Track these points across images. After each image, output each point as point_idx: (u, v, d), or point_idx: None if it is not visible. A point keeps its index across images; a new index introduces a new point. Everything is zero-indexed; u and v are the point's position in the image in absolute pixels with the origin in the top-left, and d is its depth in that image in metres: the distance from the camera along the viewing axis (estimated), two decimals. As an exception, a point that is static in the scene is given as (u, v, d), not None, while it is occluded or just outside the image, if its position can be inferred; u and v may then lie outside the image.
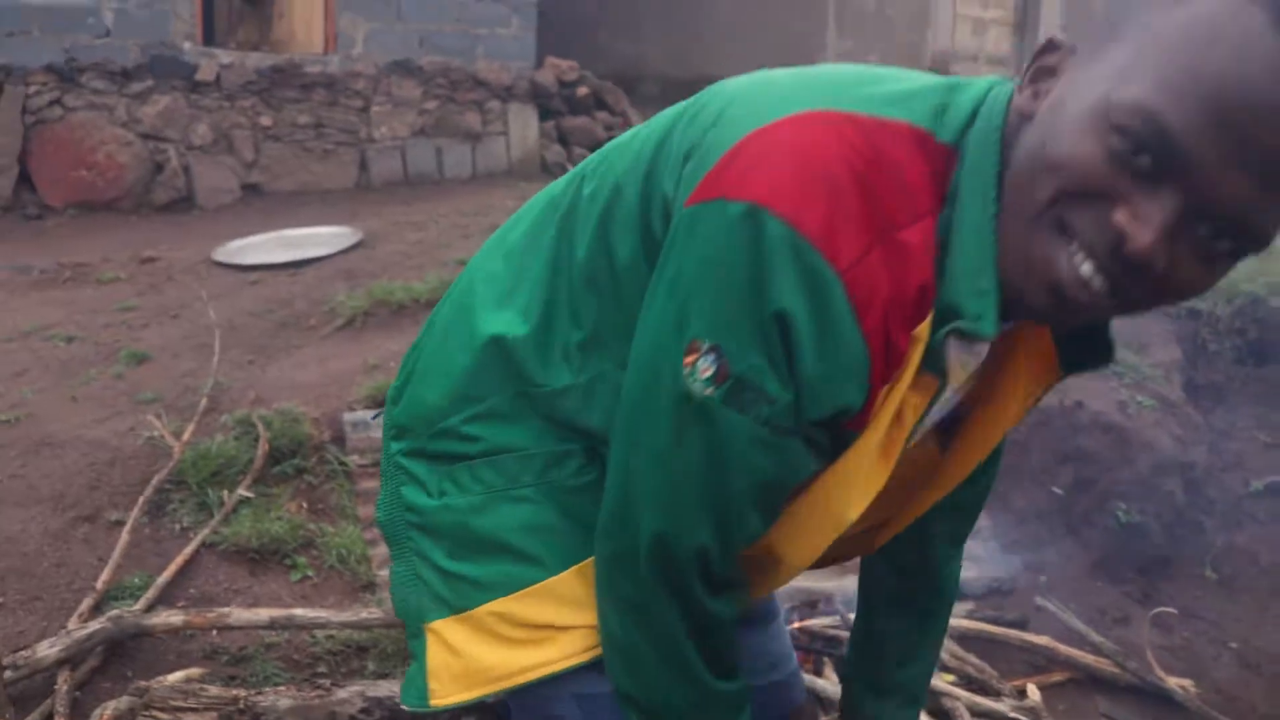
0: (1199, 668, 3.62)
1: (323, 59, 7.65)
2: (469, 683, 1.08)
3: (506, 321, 1.07)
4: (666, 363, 0.91)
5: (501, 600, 1.06)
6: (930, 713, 2.89)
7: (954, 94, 0.95)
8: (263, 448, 3.31)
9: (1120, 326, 4.06)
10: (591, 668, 1.06)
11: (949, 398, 1.05)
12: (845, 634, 3.02)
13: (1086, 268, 0.86)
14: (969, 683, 3.04)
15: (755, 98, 0.96)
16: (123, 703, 2.13)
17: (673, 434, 0.93)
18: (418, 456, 1.12)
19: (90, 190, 6.90)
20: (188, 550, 2.91)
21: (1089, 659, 3.30)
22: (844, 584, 3.30)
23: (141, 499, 3.03)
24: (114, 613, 2.52)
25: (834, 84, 0.95)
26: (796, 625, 3.04)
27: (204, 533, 2.99)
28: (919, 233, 0.89)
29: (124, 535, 2.89)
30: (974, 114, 0.94)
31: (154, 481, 3.10)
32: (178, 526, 3.07)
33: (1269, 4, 0.78)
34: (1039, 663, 3.31)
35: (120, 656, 2.53)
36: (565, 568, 1.05)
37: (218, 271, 5.48)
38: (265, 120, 7.32)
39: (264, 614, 2.58)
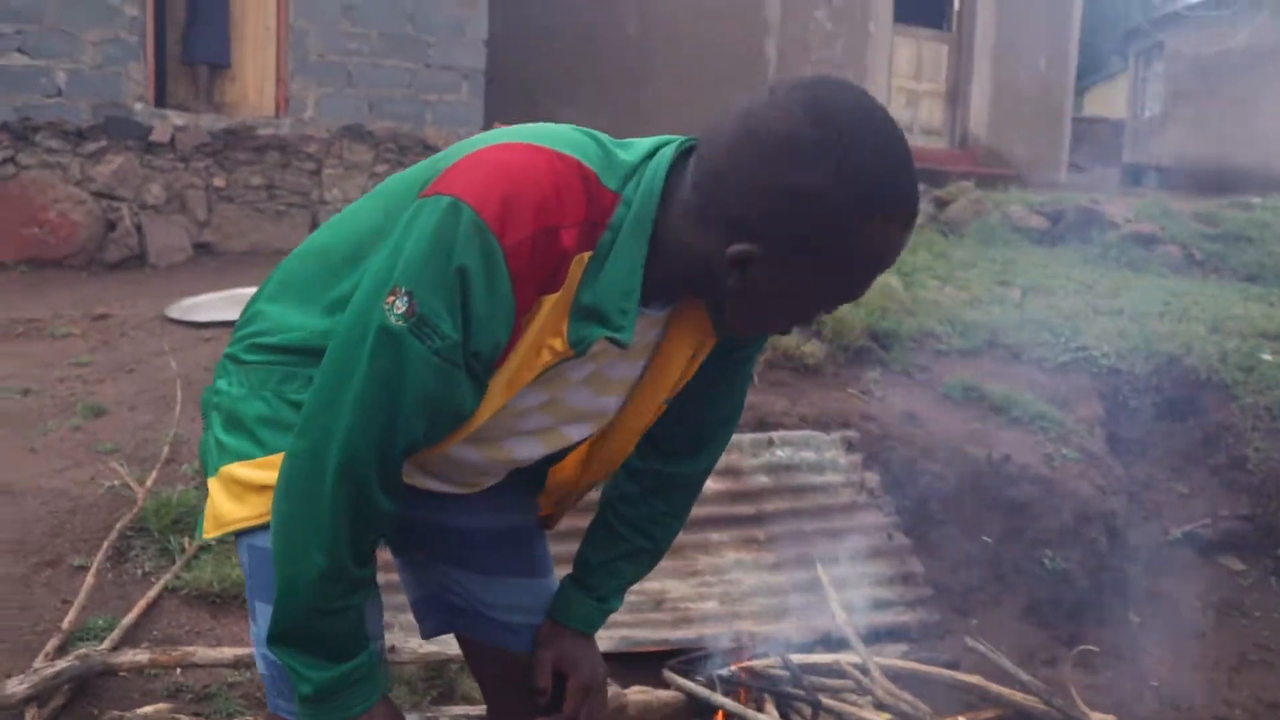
0: (1123, 706, 3.81)
1: (275, 121, 7.80)
2: (212, 525, 1.45)
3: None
4: (375, 303, 1.25)
5: (231, 465, 1.42)
6: (867, 746, 3.04)
7: (626, 150, 1.32)
8: (223, 496, 3.40)
9: (1041, 384, 4.28)
10: (265, 530, 1.39)
11: (619, 363, 1.42)
12: (783, 673, 3.16)
13: None
14: (903, 719, 3.19)
15: (480, 139, 1.34)
16: (95, 734, 2.21)
17: (370, 354, 1.25)
18: (231, 358, 1.50)
19: (42, 247, 6.94)
20: (151, 593, 2.99)
21: (1017, 696, 3.45)
22: (781, 628, 3.46)
23: (106, 544, 3.11)
24: (81, 651, 2.60)
25: (539, 132, 1.32)
26: (736, 665, 3.17)
27: (166, 577, 3.08)
28: (572, 235, 1.25)
29: (88, 579, 2.96)
30: (636, 168, 1.29)
31: (118, 527, 3.18)
32: (140, 571, 3.15)
33: None
34: (971, 701, 3.46)
35: (87, 695, 2.61)
36: (276, 450, 1.38)
37: (171, 328, 5.56)
38: (218, 181, 7.44)
39: (228, 653, 2.67)
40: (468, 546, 1.66)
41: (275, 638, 1.36)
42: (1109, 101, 23.79)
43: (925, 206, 8.49)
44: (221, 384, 1.50)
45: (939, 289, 6.15)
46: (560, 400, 1.44)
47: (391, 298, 1.23)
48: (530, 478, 1.65)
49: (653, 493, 1.65)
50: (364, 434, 1.27)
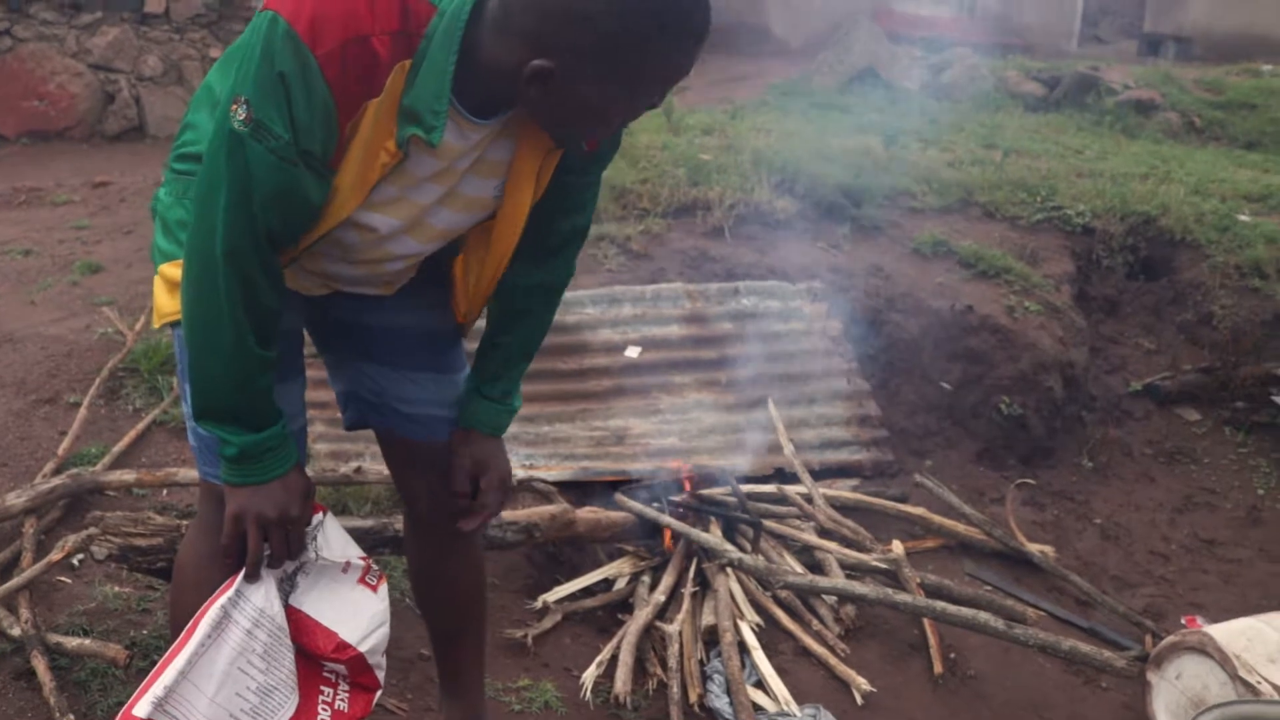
0: (1063, 539, 4.03)
1: (270, -8, 7.83)
2: (156, 318, 1.67)
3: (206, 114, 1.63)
4: (224, 112, 1.43)
5: (164, 265, 1.62)
6: (806, 565, 3.27)
7: None
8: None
9: (1013, 241, 4.42)
10: None
11: (473, 179, 1.59)
12: (732, 499, 3.38)
13: None
14: (844, 543, 3.41)
15: None
16: (80, 536, 2.45)
17: (225, 158, 1.44)
18: (167, 168, 1.69)
19: (43, 120, 7.09)
20: (140, 426, 3.22)
21: (959, 527, 3.67)
22: (735, 462, 3.66)
23: (98, 381, 3.34)
24: (74, 471, 2.83)
25: None
26: (692, 491, 3.38)
27: (155, 412, 3.30)
28: (385, 43, 1.39)
29: (82, 412, 3.19)
30: None
31: (109, 366, 3.40)
32: (130, 408, 3.37)
33: None
34: (914, 532, 3.68)
35: (79, 511, 2.84)
36: None
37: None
38: (214, 52, 7.51)
39: (208, 474, 2.90)
40: (384, 343, 1.85)
41: (198, 412, 1.58)
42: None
43: (921, 73, 8.47)
44: (161, 192, 1.69)
45: (921, 150, 6.22)
46: (420, 220, 1.62)
47: (235, 106, 1.41)
48: (438, 276, 1.82)
49: (517, 305, 1.84)
50: (234, 227, 1.46)
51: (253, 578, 1.61)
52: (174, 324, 1.63)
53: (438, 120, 1.44)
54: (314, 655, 1.70)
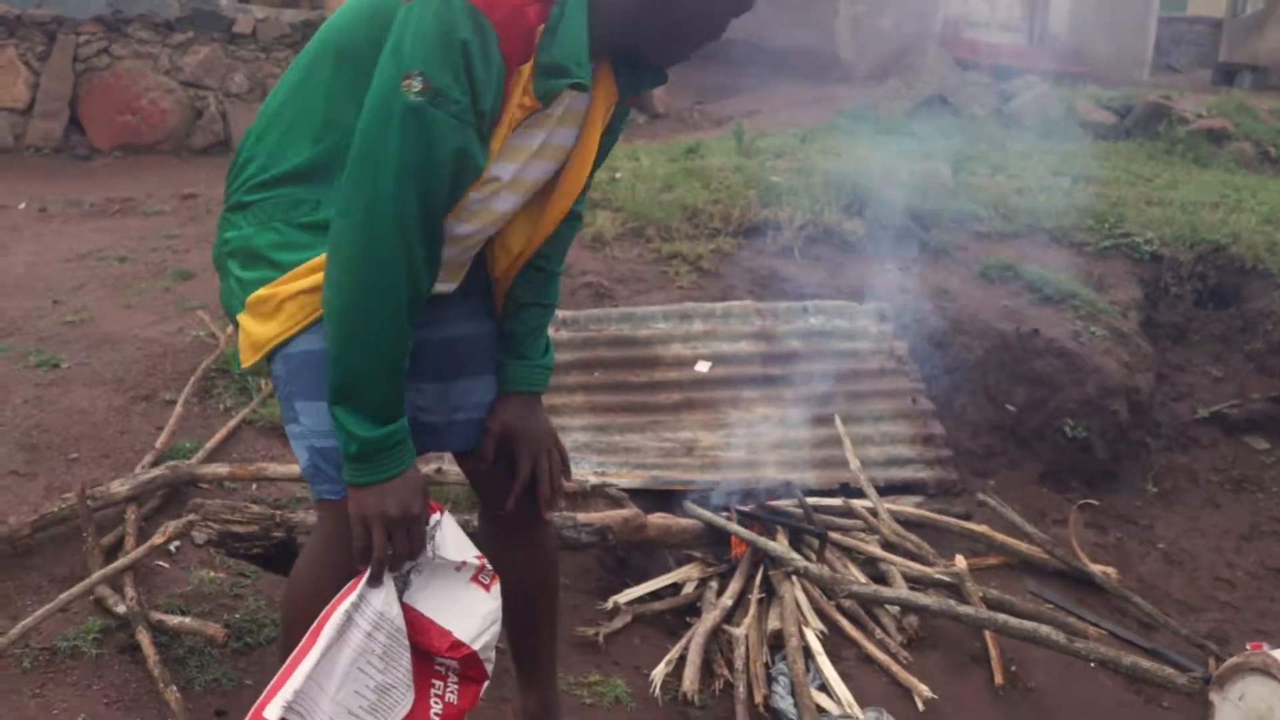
0: (1126, 562, 4.05)
1: (353, 14, 8.08)
2: (249, 354, 1.71)
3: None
4: (393, 91, 1.53)
5: (256, 292, 1.68)
6: (870, 577, 3.33)
7: None
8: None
9: (1079, 267, 4.48)
10: (297, 338, 1.67)
11: (560, 128, 1.73)
12: (798, 511, 3.46)
13: None
14: (908, 556, 3.47)
15: None
16: (181, 521, 2.59)
17: (400, 131, 1.54)
18: (232, 209, 1.75)
19: (135, 134, 7.37)
20: (231, 424, 3.37)
21: (1022, 546, 3.71)
22: (803, 476, 3.74)
23: (192, 380, 3.50)
24: (171, 463, 2.99)
25: None
26: (755, 504, 3.46)
27: (245, 411, 3.46)
28: (535, 10, 1.57)
29: (177, 409, 3.35)
30: None
31: (202, 367, 3.56)
32: (222, 406, 3.53)
33: None
34: (977, 549, 3.72)
35: (177, 502, 2.99)
36: (294, 266, 1.67)
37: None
38: (298, 71, 7.77)
39: (297, 469, 3.04)
40: (445, 357, 1.92)
41: (337, 393, 1.64)
42: (1215, 1, 22.89)
43: (990, 100, 8.50)
44: (229, 234, 1.75)
45: (989, 176, 6.25)
46: (522, 170, 1.75)
47: (407, 81, 1.52)
48: (483, 275, 1.93)
49: (533, 265, 1.94)
50: (404, 200, 1.57)
51: (376, 580, 1.68)
52: (273, 352, 1.70)
53: (584, 71, 1.61)
54: (428, 652, 1.77)
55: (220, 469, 3.03)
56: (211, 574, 2.75)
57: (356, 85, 1.62)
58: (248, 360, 1.72)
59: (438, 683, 1.81)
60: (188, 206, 6.00)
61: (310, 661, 1.63)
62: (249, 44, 7.62)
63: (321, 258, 1.64)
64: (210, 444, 3.25)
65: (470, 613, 1.78)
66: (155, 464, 3.08)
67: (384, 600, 1.69)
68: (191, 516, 2.53)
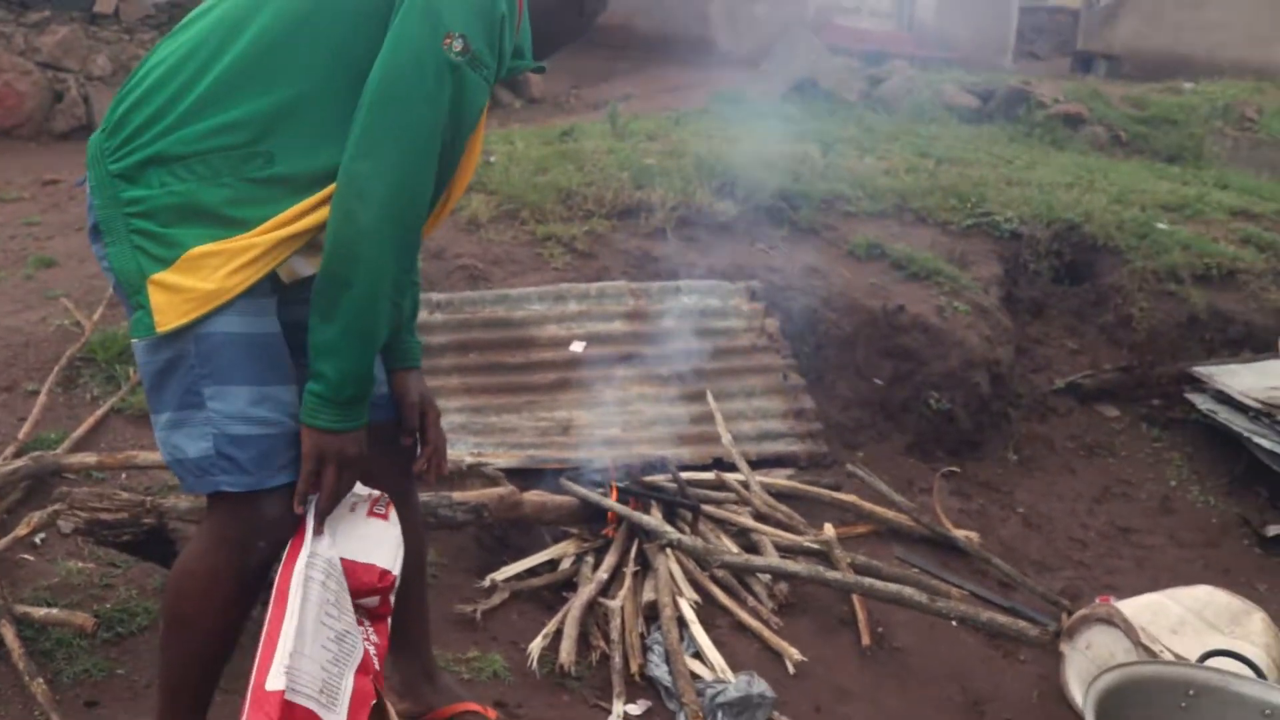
0: (988, 527, 4.23)
1: (219, -5, 7.89)
2: (193, 306, 1.64)
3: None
4: (429, 47, 1.66)
5: (200, 247, 1.64)
6: (742, 548, 3.43)
7: None
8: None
9: (944, 245, 4.65)
10: (214, 317, 1.66)
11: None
12: (672, 485, 3.54)
13: None
14: (779, 527, 3.58)
15: None
16: (46, 511, 2.55)
17: (439, 82, 1.67)
18: (142, 164, 1.68)
19: (-11, 118, 7.09)
20: (99, 412, 3.31)
21: (889, 514, 3.85)
22: (677, 452, 3.82)
23: (56, 369, 3.42)
24: (35, 454, 2.92)
25: None
26: (629, 480, 3.53)
27: (113, 399, 3.39)
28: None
29: (41, 398, 3.28)
30: None
31: (67, 355, 3.48)
32: (88, 396, 3.46)
33: None
34: (846, 518, 3.85)
35: (41, 494, 2.93)
36: (261, 222, 1.67)
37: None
38: (163, 53, 7.56)
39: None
40: None
41: (363, 336, 1.71)
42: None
43: (859, 84, 8.71)
44: (137, 193, 1.66)
45: (858, 158, 6.43)
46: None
47: (448, 40, 1.66)
48: None
49: None
50: (435, 141, 1.70)
51: (326, 516, 1.75)
52: (186, 328, 1.65)
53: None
54: (356, 593, 1.80)
55: (88, 458, 2.98)
56: (80, 565, 2.71)
57: (344, 43, 1.70)
58: (178, 318, 1.64)
59: (363, 626, 1.84)
60: (48, 193, 5.81)
61: (292, 626, 1.65)
62: (111, 24, 7.39)
63: (286, 214, 1.67)
64: (77, 434, 3.18)
65: (381, 542, 1.85)
66: (18, 455, 3.01)
67: (326, 547, 1.75)
68: (57, 505, 2.48)
